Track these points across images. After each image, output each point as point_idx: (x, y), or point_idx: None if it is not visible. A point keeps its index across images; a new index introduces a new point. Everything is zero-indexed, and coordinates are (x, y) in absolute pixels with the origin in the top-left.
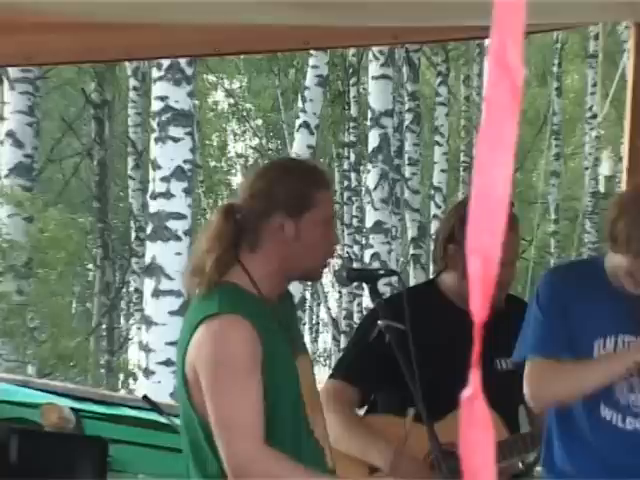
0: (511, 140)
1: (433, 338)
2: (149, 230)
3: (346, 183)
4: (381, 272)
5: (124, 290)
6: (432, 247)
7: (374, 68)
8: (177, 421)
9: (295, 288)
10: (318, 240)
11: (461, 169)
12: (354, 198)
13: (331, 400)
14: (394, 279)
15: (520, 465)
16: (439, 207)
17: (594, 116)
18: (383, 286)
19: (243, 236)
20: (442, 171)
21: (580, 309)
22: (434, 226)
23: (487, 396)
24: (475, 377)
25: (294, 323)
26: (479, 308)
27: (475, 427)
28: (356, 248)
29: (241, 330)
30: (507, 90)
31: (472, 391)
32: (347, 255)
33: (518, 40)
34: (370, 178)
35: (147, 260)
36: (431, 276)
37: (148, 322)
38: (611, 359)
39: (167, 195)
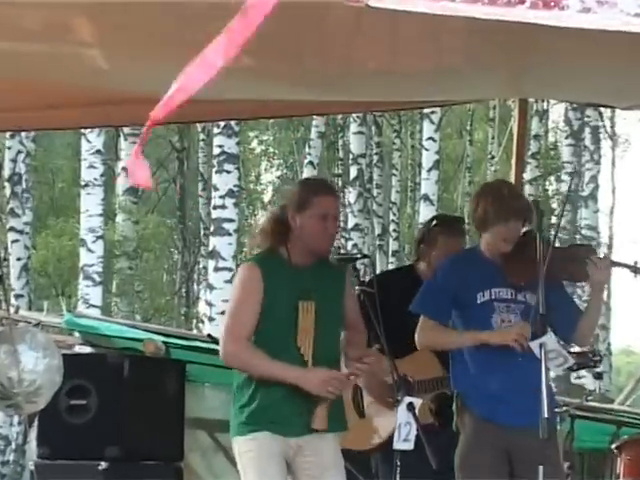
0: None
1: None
2: (212, 229)
3: None
4: (358, 256)
5: (196, 267)
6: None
7: (354, 127)
8: None
9: None
10: (313, 229)
11: (408, 190)
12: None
13: None
14: (367, 261)
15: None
16: (395, 214)
17: (492, 157)
18: (359, 265)
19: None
20: (397, 192)
21: (464, 276)
22: (392, 227)
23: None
24: None
25: (319, 282)
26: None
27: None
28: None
29: (246, 270)
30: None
31: None
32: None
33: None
34: (351, 196)
35: (210, 248)
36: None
37: (211, 287)
38: (464, 336)
39: (223, 207)
